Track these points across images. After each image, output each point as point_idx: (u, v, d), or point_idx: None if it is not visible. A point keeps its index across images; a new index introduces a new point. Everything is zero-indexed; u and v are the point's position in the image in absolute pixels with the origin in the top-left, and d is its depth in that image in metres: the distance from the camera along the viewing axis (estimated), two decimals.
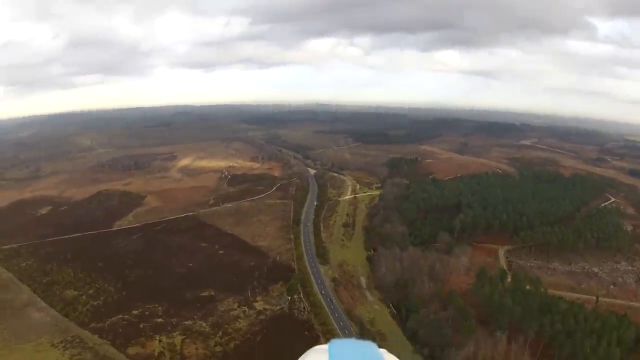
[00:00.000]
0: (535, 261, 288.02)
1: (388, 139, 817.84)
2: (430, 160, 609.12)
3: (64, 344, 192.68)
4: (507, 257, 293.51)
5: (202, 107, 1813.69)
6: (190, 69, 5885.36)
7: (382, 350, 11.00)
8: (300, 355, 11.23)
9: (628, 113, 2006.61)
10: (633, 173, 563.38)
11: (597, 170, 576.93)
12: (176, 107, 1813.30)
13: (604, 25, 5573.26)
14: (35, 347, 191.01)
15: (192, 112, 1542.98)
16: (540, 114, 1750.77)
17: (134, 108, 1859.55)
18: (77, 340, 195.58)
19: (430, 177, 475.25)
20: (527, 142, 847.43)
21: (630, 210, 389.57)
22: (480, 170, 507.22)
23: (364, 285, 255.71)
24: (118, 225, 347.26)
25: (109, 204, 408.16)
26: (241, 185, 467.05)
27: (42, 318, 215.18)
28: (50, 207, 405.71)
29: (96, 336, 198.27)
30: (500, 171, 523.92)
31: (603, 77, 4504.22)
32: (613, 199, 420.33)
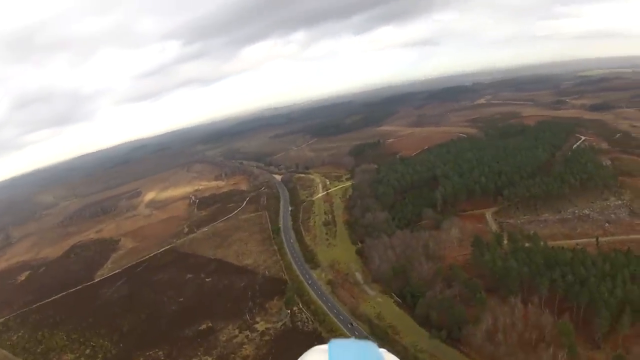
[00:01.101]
0: (525, 217, 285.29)
1: (345, 127, 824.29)
2: (392, 140, 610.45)
3: None
4: (496, 220, 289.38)
5: (155, 138, 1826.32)
6: (136, 102, 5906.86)
7: (382, 350, 11.33)
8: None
9: (574, 49, 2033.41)
10: (595, 108, 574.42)
11: (560, 113, 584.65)
12: (130, 143, 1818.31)
13: None
14: None
15: (147, 144, 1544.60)
16: (490, 70, 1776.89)
17: (89, 154, 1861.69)
18: None
19: (398, 156, 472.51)
20: (482, 101, 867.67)
21: (604, 145, 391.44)
22: (446, 139, 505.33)
23: (361, 281, 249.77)
24: (100, 275, 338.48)
25: (85, 255, 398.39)
26: (212, 206, 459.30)
27: None
28: (28, 272, 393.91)
29: None
30: (465, 135, 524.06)
31: (543, 19, 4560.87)
32: (584, 138, 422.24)
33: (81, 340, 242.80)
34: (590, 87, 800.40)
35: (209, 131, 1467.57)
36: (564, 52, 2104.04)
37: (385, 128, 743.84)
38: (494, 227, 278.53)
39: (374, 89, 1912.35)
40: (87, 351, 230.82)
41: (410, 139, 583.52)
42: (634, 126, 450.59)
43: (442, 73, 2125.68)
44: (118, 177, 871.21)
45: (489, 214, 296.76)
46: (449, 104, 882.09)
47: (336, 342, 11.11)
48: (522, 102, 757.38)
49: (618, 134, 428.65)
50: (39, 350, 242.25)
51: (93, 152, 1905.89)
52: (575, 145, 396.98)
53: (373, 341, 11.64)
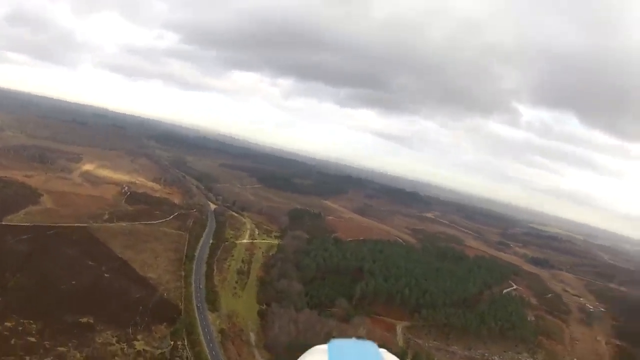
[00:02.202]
0: (434, 342, 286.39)
1: (293, 186, 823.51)
2: (332, 218, 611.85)
3: None
4: (405, 334, 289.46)
5: (116, 113, 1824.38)
6: (112, 72, 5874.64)
7: (382, 350, 11.68)
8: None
9: (534, 201, 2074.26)
10: (536, 262, 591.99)
11: (501, 255, 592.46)
12: (93, 107, 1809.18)
13: (528, 113, 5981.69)
14: None
15: (106, 116, 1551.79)
16: (447, 188, 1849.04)
17: (52, 99, 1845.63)
18: None
19: (333, 235, 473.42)
20: (430, 215, 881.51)
21: (533, 300, 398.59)
22: (383, 237, 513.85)
23: (253, 343, 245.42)
24: (8, 220, 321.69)
25: (4, 193, 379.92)
26: (139, 205, 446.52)
27: None
28: None
29: None
30: (402, 241, 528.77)
31: (517, 162, 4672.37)
32: (515, 286, 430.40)
33: None
34: (538, 241, 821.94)
35: (167, 131, 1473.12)
36: (525, 199, 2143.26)
37: (329, 203, 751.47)
38: (401, 341, 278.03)
39: (334, 161, 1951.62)
40: None
41: (350, 224, 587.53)
42: (567, 291, 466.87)
43: (401, 171, 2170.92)
44: (68, 133, 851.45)
45: (400, 327, 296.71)
46: (398, 205, 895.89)
47: (336, 342, 11.50)
48: (468, 231, 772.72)
49: (550, 294, 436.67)
50: None
51: (56, 99, 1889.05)
52: (505, 291, 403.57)
53: (373, 341, 11.96)
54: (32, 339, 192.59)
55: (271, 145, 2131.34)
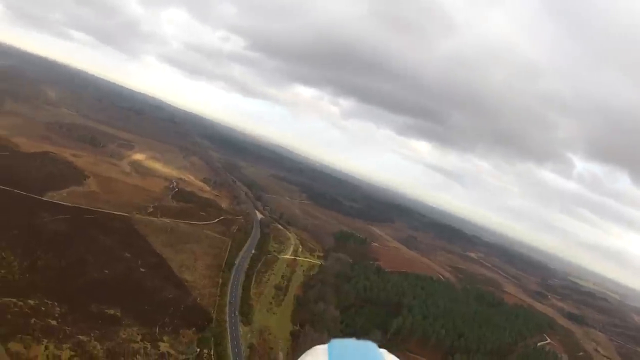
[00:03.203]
0: None
1: (341, 207, 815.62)
2: (377, 245, 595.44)
3: None
4: None
5: (173, 108, 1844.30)
6: (174, 67, 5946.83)
7: (382, 351, 11.09)
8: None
9: (575, 254, 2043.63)
10: (571, 317, 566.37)
11: (538, 305, 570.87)
12: (152, 98, 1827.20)
13: (581, 165, 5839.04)
14: None
15: (164, 108, 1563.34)
16: (491, 229, 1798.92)
17: (112, 82, 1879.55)
18: None
19: (375, 264, 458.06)
20: (473, 255, 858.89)
21: (564, 357, 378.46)
22: (425, 271, 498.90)
23: None
24: (50, 196, 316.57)
25: (50, 169, 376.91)
26: (186, 203, 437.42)
27: None
28: None
29: None
30: (443, 279, 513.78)
31: (564, 213, 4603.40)
32: (549, 340, 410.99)
33: None
34: (575, 295, 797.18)
35: (222, 133, 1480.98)
36: (566, 251, 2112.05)
37: (375, 229, 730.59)
38: None
39: (383, 187, 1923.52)
40: None
41: (394, 254, 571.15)
42: (598, 351, 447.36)
43: (449, 208, 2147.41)
44: (123, 120, 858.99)
45: None
46: (442, 240, 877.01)
47: (336, 342, 10.89)
48: (507, 277, 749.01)
49: (581, 352, 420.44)
50: None
51: (115, 84, 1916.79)
52: (539, 344, 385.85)
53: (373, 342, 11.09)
54: (53, 322, 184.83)
55: (324, 162, 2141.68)
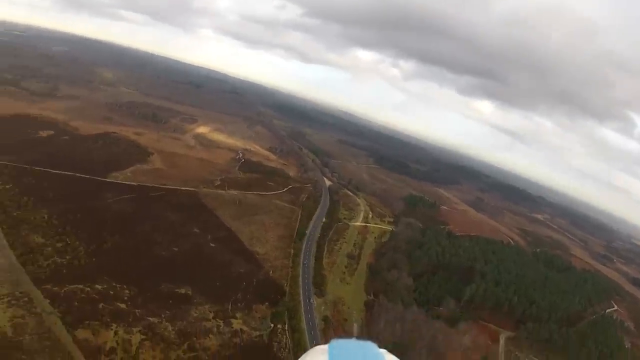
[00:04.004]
0: (534, 358, 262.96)
1: (407, 170, 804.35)
2: (446, 208, 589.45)
3: (9, 299, 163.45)
4: (507, 346, 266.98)
5: (234, 79, 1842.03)
6: (233, 39, 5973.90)
7: (382, 351, 11.79)
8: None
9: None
10: (635, 282, 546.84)
11: (604, 269, 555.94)
12: (211, 71, 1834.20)
13: None
14: None
15: (224, 80, 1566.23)
16: (555, 189, 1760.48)
17: (169, 58, 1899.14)
18: (26, 299, 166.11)
19: (446, 228, 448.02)
20: (539, 217, 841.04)
21: (630, 325, 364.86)
22: (494, 235, 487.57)
23: (355, 335, 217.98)
24: (114, 177, 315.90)
25: (112, 149, 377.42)
26: (253, 174, 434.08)
27: None
28: (52, 132, 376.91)
29: (47, 302, 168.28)
30: (513, 242, 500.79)
31: (627, 173, 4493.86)
32: (616, 307, 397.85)
33: (59, 230, 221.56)
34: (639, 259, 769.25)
35: (284, 101, 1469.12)
36: (629, 212, 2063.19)
37: (443, 192, 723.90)
38: (503, 355, 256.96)
39: (448, 148, 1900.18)
40: (59, 244, 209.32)
41: (462, 217, 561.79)
42: None
43: (513, 169, 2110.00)
44: (183, 94, 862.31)
45: (503, 337, 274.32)
46: (509, 202, 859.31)
47: (336, 342, 11.31)
48: (573, 238, 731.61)
49: None
50: (14, 215, 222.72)
51: (173, 59, 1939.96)
52: (607, 311, 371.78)
53: (373, 342, 11.79)
54: (122, 305, 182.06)
55: (388, 125, 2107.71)
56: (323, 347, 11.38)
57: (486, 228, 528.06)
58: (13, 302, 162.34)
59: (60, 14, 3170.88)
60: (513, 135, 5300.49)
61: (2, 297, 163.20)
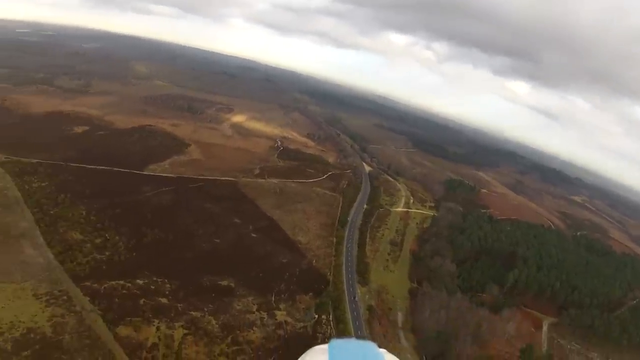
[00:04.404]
0: (576, 345, 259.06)
1: (445, 153, 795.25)
2: (486, 191, 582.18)
3: (48, 297, 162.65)
4: (550, 333, 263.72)
5: (268, 67, 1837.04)
6: (265, 27, 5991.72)
7: (382, 350, 11.36)
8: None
9: None
10: None
11: None
12: (244, 60, 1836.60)
13: None
14: (16, 291, 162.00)
15: (257, 68, 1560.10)
16: (593, 171, 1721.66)
17: (201, 50, 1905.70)
18: (65, 297, 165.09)
19: (487, 213, 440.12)
20: (578, 199, 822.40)
21: None
22: (534, 219, 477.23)
23: (400, 324, 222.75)
24: (151, 169, 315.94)
25: (149, 142, 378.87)
26: (292, 161, 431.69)
27: (35, 257, 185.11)
28: (87, 128, 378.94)
29: (87, 299, 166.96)
30: (553, 226, 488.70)
31: None
32: None
33: (98, 226, 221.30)
34: None
35: (319, 87, 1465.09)
36: None
37: (482, 175, 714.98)
38: (546, 342, 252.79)
39: (485, 131, 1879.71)
40: (97, 240, 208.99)
41: (502, 201, 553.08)
42: None
43: (549, 149, 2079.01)
44: (218, 84, 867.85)
45: (546, 324, 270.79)
46: (547, 185, 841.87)
47: (336, 342, 11.12)
48: (612, 221, 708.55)
49: None
50: (51, 212, 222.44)
51: (205, 50, 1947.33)
52: None
53: (373, 341, 11.55)
54: (164, 300, 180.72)
55: (424, 108, 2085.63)
56: (323, 347, 11.15)
57: (526, 211, 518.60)
58: (52, 300, 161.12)
59: (90, 11, 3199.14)
60: (548, 115, 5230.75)
61: (40, 296, 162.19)
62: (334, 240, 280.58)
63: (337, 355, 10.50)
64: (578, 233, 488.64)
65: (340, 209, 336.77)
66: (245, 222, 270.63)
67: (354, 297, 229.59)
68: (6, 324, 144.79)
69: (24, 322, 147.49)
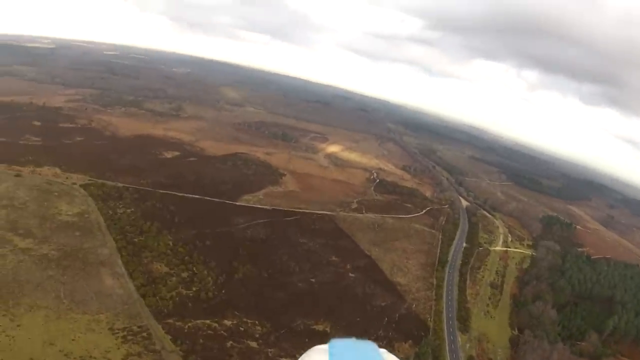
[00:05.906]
0: None
1: (540, 187, 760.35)
2: (580, 228, 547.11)
3: (125, 332, 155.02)
4: None
5: (359, 95, 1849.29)
6: (356, 55, 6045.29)
7: (382, 350, 11.40)
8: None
9: None
10: None
11: None
12: (336, 88, 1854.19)
13: None
14: (90, 323, 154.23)
15: (351, 98, 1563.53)
16: None
17: (293, 77, 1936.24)
18: (144, 334, 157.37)
19: (585, 252, 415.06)
20: None
21: None
22: (629, 257, 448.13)
23: None
24: (245, 200, 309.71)
25: (243, 171, 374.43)
26: (389, 195, 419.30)
27: (114, 288, 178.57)
28: (178, 153, 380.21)
29: (169, 338, 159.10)
30: None
31: None
32: None
33: (186, 258, 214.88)
34: None
35: (411, 117, 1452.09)
36: None
37: (574, 209, 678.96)
38: None
39: (575, 162, 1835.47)
40: (184, 274, 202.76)
41: (596, 238, 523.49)
42: None
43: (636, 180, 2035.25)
44: (312, 113, 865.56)
45: None
46: (637, 218, 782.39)
47: (336, 342, 11.09)
48: None
49: None
50: (135, 241, 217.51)
51: (297, 78, 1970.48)
52: None
53: (373, 341, 11.47)
54: (253, 344, 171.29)
55: (514, 138, 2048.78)
56: (323, 347, 11.09)
57: (620, 249, 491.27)
58: (129, 337, 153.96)
59: (178, 35, 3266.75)
60: (635, 145, 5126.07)
61: (117, 330, 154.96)
62: (434, 282, 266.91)
63: (337, 355, 10.44)
64: None
65: (439, 247, 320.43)
66: (342, 260, 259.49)
67: (454, 337, 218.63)
68: (75, 358, 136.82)
69: (95, 358, 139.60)
